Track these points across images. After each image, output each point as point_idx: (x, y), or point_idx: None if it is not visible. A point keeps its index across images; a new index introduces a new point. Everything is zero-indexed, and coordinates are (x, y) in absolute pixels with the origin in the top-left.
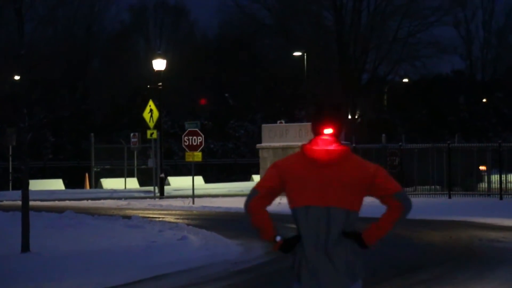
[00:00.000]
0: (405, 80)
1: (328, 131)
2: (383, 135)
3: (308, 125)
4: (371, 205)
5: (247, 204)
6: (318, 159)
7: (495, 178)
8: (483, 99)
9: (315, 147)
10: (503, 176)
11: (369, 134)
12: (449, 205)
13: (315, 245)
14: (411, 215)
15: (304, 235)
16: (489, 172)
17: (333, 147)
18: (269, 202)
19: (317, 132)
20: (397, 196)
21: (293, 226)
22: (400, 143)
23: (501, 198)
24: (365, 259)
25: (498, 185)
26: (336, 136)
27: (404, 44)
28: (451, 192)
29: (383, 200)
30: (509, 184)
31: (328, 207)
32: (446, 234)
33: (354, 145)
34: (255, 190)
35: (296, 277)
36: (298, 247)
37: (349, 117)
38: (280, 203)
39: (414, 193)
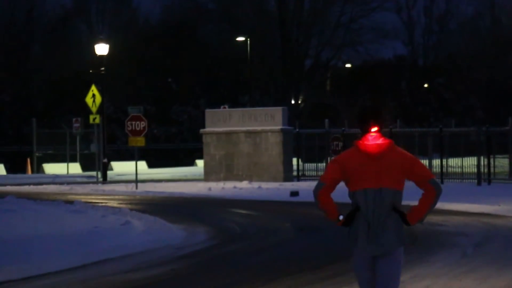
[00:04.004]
0: (348, 65)
1: (375, 129)
2: (326, 120)
3: (251, 110)
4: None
5: (316, 193)
6: (370, 152)
7: (436, 162)
8: (424, 84)
9: (366, 143)
10: (444, 161)
11: (312, 119)
12: None
13: (372, 217)
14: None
15: (363, 211)
16: (431, 156)
17: (380, 141)
18: (333, 190)
19: (365, 130)
20: (431, 182)
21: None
22: (343, 128)
23: (442, 182)
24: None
25: (439, 170)
26: (380, 132)
27: (346, 29)
28: None
29: (419, 184)
30: (450, 168)
31: (381, 188)
32: None
33: (297, 130)
34: (321, 182)
35: (354, 242)
36: (355, 220)
37: (293, 102)
38: None
39: None
